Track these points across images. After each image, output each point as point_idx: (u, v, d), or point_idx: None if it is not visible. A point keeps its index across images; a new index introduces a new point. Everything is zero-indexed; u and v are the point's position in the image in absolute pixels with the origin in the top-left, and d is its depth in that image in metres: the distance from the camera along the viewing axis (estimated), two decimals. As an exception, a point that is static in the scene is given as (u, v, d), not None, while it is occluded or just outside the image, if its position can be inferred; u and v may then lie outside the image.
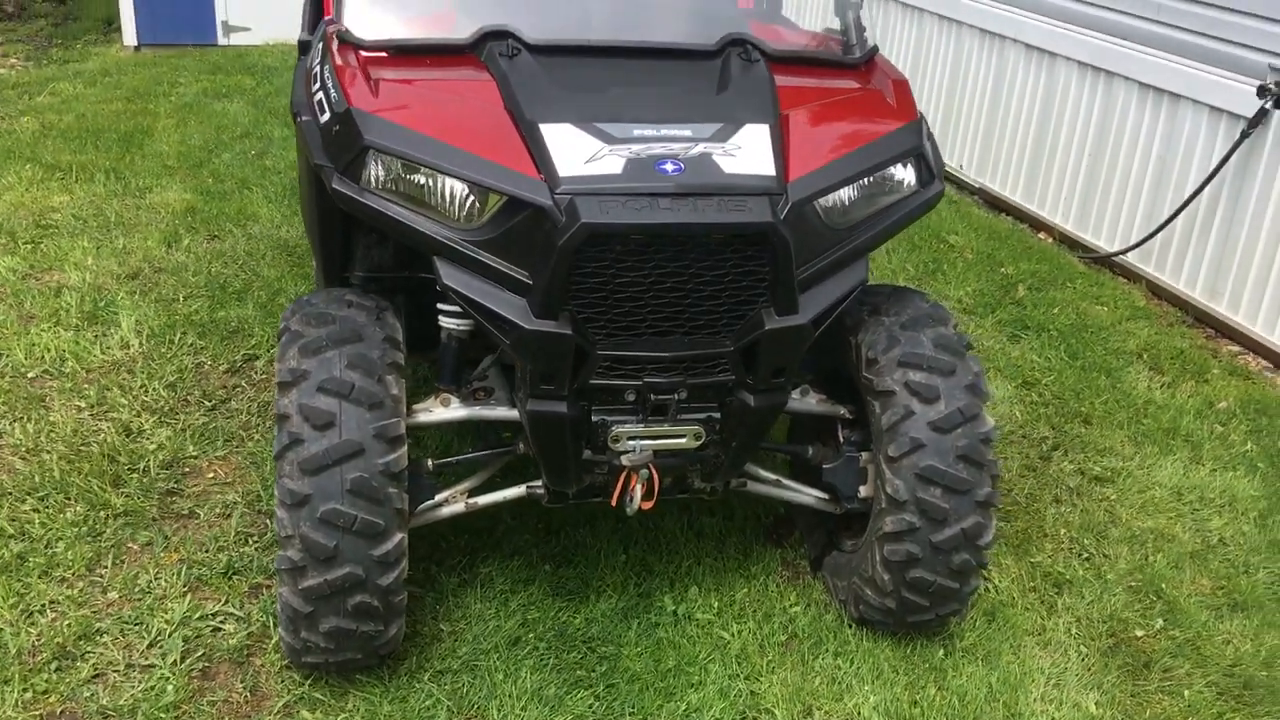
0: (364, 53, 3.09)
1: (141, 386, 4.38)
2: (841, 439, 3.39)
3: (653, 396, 2.91)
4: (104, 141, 7.27)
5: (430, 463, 3.16)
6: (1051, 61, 6.72)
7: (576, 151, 2.78)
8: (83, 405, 4.24)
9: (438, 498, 3.17)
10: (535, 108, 2.87)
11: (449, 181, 2.79)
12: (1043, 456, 4.42)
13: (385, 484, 2.78)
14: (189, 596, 3.30)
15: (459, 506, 3.20)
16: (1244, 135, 5.33)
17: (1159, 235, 5.91)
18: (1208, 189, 5.58)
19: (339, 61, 3.04)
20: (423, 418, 3.13)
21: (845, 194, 2.99)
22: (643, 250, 2.75)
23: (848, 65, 3.39)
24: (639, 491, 3.02)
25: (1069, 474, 4.30)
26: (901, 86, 3.31)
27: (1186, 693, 3.26)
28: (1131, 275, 6.15)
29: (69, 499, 3.69)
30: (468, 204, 2.80)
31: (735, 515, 3.86)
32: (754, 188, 2.79)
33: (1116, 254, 6.21)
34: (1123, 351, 5.30)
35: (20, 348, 4.57)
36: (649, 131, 2.85)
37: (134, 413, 4.20)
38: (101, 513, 3.63)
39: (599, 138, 2.81)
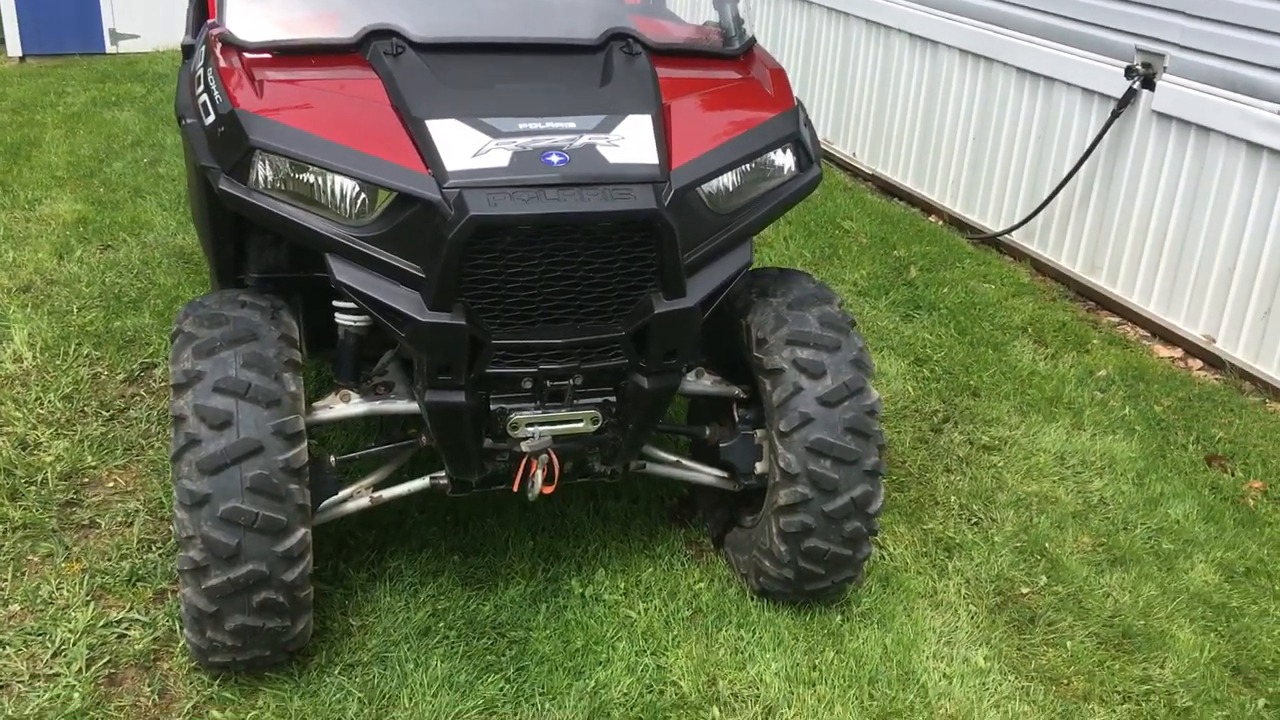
0: (248, 54, 3.11)
1: (36, 399, 4.33)
2: (737, 418, 3.50)
3: (549, 383, 2.99)
4: (-11, 154, 7.12)
5: (333, 459, 3.20)
6: (934, 50, 6.93)
7: (463, 146, 2.84)
8: (-24, 421, 4.18)
9: (342, 493, 3.21)
10: (421, 105, 2.92)
11: (338, 179, 2.83)
12: (934, 429, 4.59)
13: (286, 480, 2.81)
14: (92, 605, 3.29)
15: (364, 501, 3.24)
16: (1114, 115, 5.57)
17: (1040, 214, 6.15)
18: (1084, 168, 5.82)
19: (223, 64, 3.06)
20: (323, 415, 3.16)
21: (727, 180, 3.09)
22: (532, 240, 2.82)
23: (727, 56, 3.49)
24: (540, 477, 3.09)
25: (959, 444, 4.47)
26: (779, 75, 3.42)
27: (1069, 644, 3.43)
28: (1017, 253, 6.39)
29: (-35, 514, 3.65)
30: (358, 201, 2.85)
31: (640, 498, 3.95)
32: (638, 176, 2.88)
33: (1001, 234, 6.44)
34: (1009, 326, 5.51)
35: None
36: (534, 125, 2.92)
37: (29, 426, 4.15)
38: (-1, 526, 3.60)
39: (485, 132, 2.88)
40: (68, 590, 3.34)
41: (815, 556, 3.24)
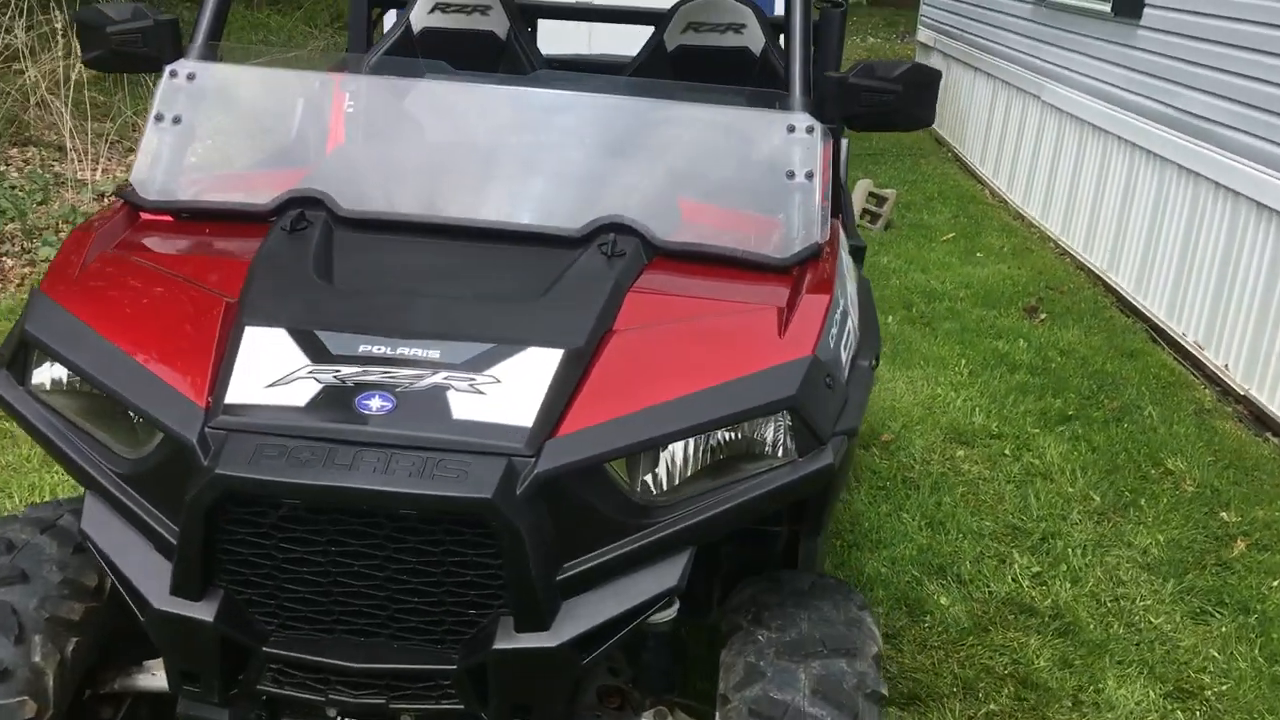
0: (144, 215, 2.54)
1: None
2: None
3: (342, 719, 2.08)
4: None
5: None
6: (1334, 246, 5.21)
7: (266, 370, 2.05)
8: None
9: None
10: (257, 304, 2.17)
11: (110, 398, 2.13)
12: (1151, 821, 3.07)
13: (-18, 789, 2.10)
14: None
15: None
16: None
17: None
18: None
19: (85, 224, 2.51)
20: (141, 682, 2.43)
21: (660, 459, 2.04)
22: (313, 519, 1.95)
23: (768, 267, 2.41)
24: (341, 837, 2.15)
25: None
26: (814, 306, 2.27)
27: None
28: None
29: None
30: (132, 430, 2.13)
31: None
32: (484, 445, 1.94)
33: (1391, 513, 4.57)
34: (1350, 662, 3.75)
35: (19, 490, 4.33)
36: (381, 349, 2.07)
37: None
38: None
39: (307, 352, 2.07)
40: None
41: None
